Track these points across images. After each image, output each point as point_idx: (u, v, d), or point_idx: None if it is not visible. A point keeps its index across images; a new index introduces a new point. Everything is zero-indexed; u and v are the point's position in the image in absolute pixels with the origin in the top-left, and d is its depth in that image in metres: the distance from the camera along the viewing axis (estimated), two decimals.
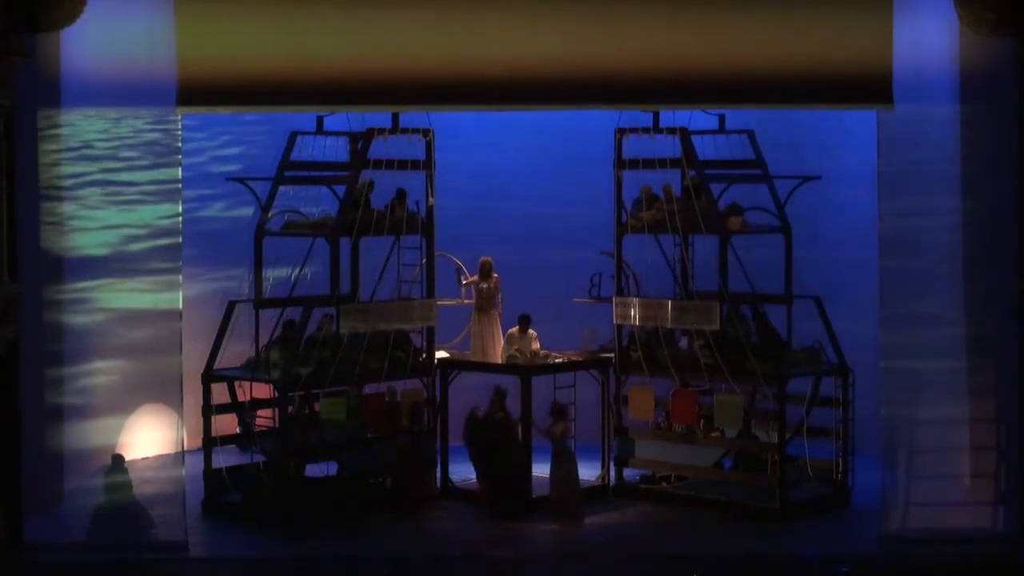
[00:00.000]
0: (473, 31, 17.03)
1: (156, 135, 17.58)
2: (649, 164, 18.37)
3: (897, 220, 16.99)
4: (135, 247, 18.32)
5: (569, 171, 21.50)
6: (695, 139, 18.29)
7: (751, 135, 18.53)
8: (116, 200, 17.96)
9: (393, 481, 18.02)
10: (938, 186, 17.16)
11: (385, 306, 18.10)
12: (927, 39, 17.12)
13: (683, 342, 18.46)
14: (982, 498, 17.03)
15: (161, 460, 19.54)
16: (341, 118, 18.49)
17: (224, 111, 19.11)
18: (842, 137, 20.39)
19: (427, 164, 18.40)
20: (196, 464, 17.85)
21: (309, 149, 18.36)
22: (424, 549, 16.55)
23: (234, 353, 18.08)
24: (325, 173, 18.40)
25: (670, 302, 18.18)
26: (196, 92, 16.88)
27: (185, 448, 17.70)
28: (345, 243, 18.27)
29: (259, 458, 17.80)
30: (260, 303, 18.01)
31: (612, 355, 18.55)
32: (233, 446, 18.40)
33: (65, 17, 16.29)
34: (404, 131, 18.27)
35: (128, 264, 18.49)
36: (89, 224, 17.76)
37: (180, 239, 17.32)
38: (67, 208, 17.26)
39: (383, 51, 16.98)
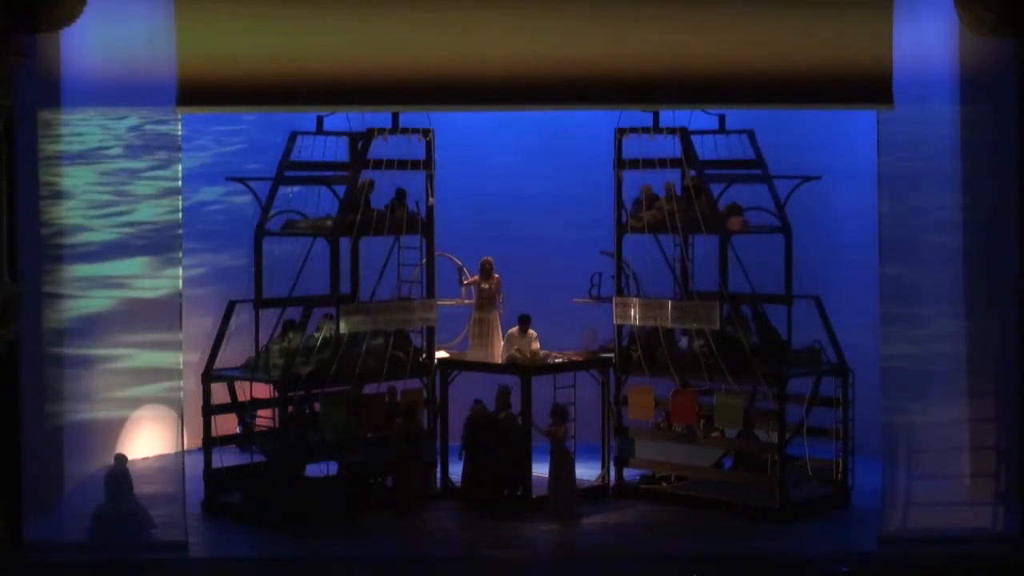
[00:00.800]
0: (473, 31, 17.03)
1: (156, 135, 17.59)
2: (649, 164, 18.37)
3: (897, 220, 16.99)
4: (135, 247, 18.37)
5: (569, 171, 21.50)
6: (695, 139, 18.29)
7: (751, 135, 18.53)
8: (116, 200, 17.98)
9: (392, 481, 18.02)
10: (938, 186, 17.17)
11: (385, 306, 18.10)
12: (927, 39, 17.13)
13: (683, 342, 18.46)
14: (982, 498, 17.03)
15: (161, 460, 19.58)
16: (341, 118, 18.49)
17: (224, 111, 19.15)
18: (842, 137, 20.38)
19: (427, 164, 18.40)
20: (196, 464, 17.84)
21: (309, 149, 18.36)
22: (424, 549, 16.55)
23: (234, 353, 18.08)
24: (325, 173, 18.40)
25: (670, 302, 18.18)
26: (196, 92, 16.87)
27: (185, 448, 17.69)
28: (345, 243, 18.26)
29: (259, 458, 17.80)
30: (260, 303, 18.01)
31: (612, 355, 18.55)
32: (233, 446, 18.41)
33: (65, 17, 16.29)
34: (404, 131, 18.27)
35: (128, 264, 18.55)
36: (89, 224, 17.77)
37: (180, 239, 17.31)
38: (67, 208, 17.26)
39: (383, 51, 16.98)
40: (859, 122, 18.87)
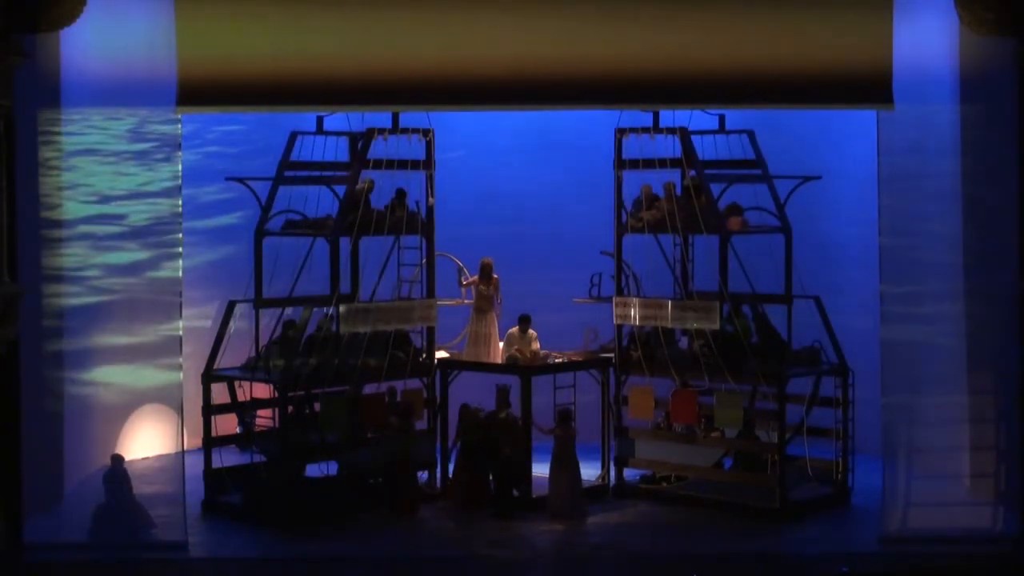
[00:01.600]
0: (473, 31, 17.03)
1: (156, 135, 17.59)
2: (649, 164, 18.37)
3: (897, 220, 17.00)
4: (135, 247, 18.36)
5: (569, 171, 21.50)
6: (695, 139, 18.29)
7: (751, 135, 18.54)
8: (116, 200, 17.99)
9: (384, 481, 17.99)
10: (938, 186, 17.18)
11: (385, 306, 18.10)
12: (927, 39, 17.13)
13: (683, 342, 18.47)
14: (982, 498, 17.04)
15: (161, 460, 19.58)
16: (341, 118, 18.50)
17: (224, 111, 19.15)
18: (842, 137, 20.39)
19: (427, 164, 18.40)
20: (196, 464, 17.84)
21: (309, 149, 18.37)
22: (424, 549, 16.55)
23: (234, 353, 18.08)
24: (325, 173, 18.41)
25: (670, 302, 18.18)
26: (196, 92, 16.87)
27: (185, 448, 17.69)
28: (345, 243, 18.27)
29: (259, 458, 17.80)
30: (260, 303, 18.01)
31: (612, 355, 18.55)
32: (233, 446, 18.41)
33: (65, 17, 16.28)
34: (404, 131, 18.28)
35: (128, 264, 18.54)
36: (89, 224, 17.77)
37: (180, 238, 17.32)
38: (67, 208, 17.26)
39: (383, 51, 16.97)
40: (859, 122, 18.87)
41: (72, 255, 17.45)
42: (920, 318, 17.11)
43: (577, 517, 17.38)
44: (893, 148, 16.98)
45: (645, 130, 18.43)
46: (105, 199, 17.91)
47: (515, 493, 17.66)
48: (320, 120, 18.44)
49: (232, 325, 17.97)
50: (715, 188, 18.41)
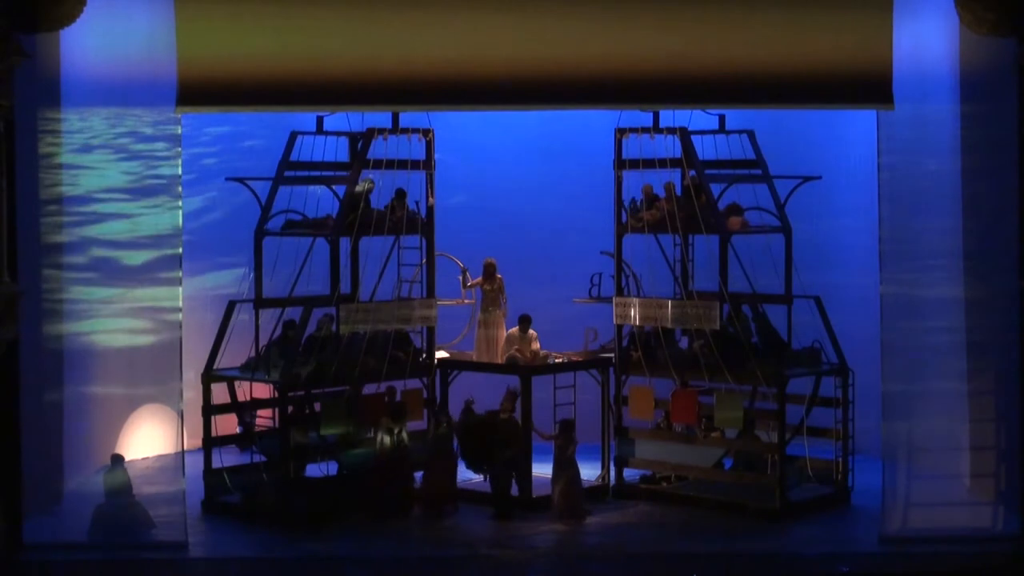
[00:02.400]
0: (473, 31, 17.03)
1: (156, 135, 17.59)
2: (649, 164, 18.37)
3: (897, 220, 16.99)
4: (135, 246, 18.37)
5: (569, 171, 21.49)
6: (695, 139, 18.29)
7: (751, 135, 18.54)
8: (116, 199, 17.99)
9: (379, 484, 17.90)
10: (938, 186, 17.18)
11: (385, 306, 18.10)
12: (927, 39, 17.14)
13: (683, 342, 18.47)
14: (982, 498, 17.05)
15: (161, 460, 19.58)
16: (341, 118, 18.49)
17: (224, 111, 19.14)
18: (842, 137, 20.39)
19: (427, 164, 18.40)
20: (196, 464, 17.84)
21: (309, 149, 18.37)
22: (424, 549, 16.55)
23: (234, 353, 18.08)
24: (325, 173, 18.41)
25: (670, 302, 18.18)
26: (196, 92, 16.86)
27: (185, 448, 17.69)
28: (345, 243, 18.27)
29: (259, 458, 17.80)
30: (260, 303, 18.01)
31: (612, 355, 18.55)
32: (233, 446, 18.41)
33: (65, 17, 16.28)
34: (404, 131, 18.28)
35: (128, 264, 18.55)
36: (89, 224, 17.77)
37: (180, 238, 17.31)
38: (67, 208, 17.27)
39: (383, 51, 16.97)
40: (859, 122, 18.88)
41: (72, 255, 17.44)
42: (920, 318, 17.10)
43: (579, 517, 17.37)
44: (893, 148, 16.97)
45: (645, 130, 18.43)
46: (105, 199, 17.90)
47: (514, 493, 17.65)
48: (320, 120, 18.44)
49: (232, 325, 17.96)
50: (715, 188, 18.42)
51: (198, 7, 16.81)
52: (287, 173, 18.26)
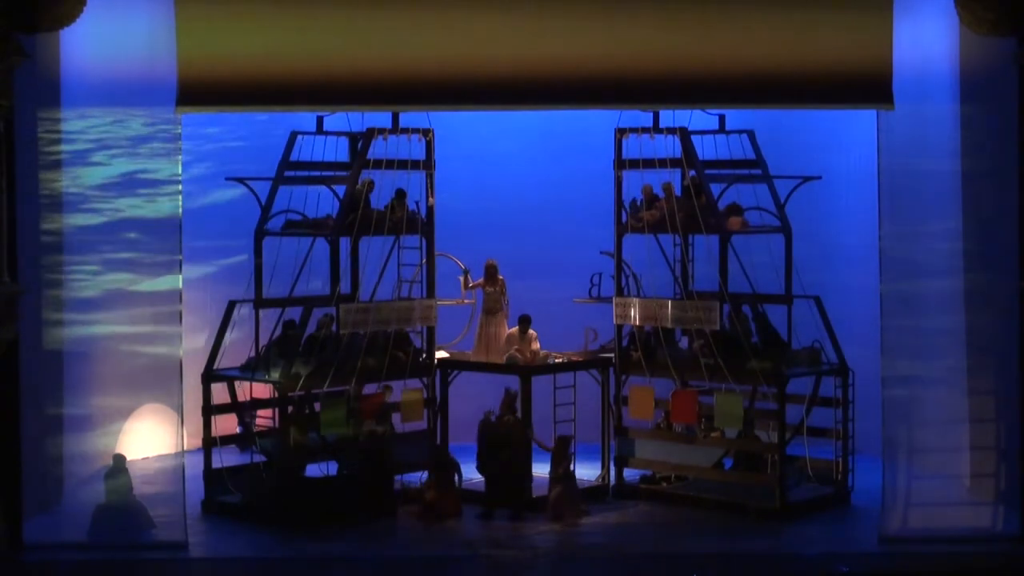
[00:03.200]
0: (473, 31, 17.02)
1: (156, 135, 17.58)
2: (649, 164, 18.37)
3: (897, 220, 16.98)
4: (135, 247, 18.35)
5: (569, 171, 21.49)
6: (695, 139, 18.29)
7: (751, 135, 18.54)
8: (116, 199, 17.98)
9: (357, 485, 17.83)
10: (938, 186, 17.18)
11: (385, 306, 18.09)
12: (927, 39, 17.13)
13: (683, 342, 18.47)
14: (982, 498, 17.04)
15: (161, 460, 19.58)
16: (341, 118, 18.49)
17: (224, 111, 19.12)
18: (842, 137, 20.38)
19: (427, 164, 18.40)
20: (196, 464, 17.85)
21: (309, 149, 18.37)
22: (424, 549, 16.55)
23: (234, 353, 18.08)
24: (325, 173, 18.41)
25: (670, 302, 18.18)
26: (196, 92, 16.86)
27: (185, 448, 17.70)
28: (345, 243, 18.26)
29: (259, 458, 17.79)
30: (260, 303, 18.01)
31: (612, 355, 18.55)
32: (233, 446, 18.41)
33: (65, 17, 16.27)
34: (404, 131, 18.28)
35: (128, 264, 18.53)
36: (89, 224, 17.76)
37: (180, 238, 17.30)
38: (67, 208, 17.26)
39: (383, 51, 16.97)
40: (859, 122, 18.86)
41: (72, 255, 17.44)
42: (920, 318, 17.09)
43: (578, 517, 17.37)
44: (893, 148, 16.96)
45: (645, 130, 18.42)
46: (105, 198, 17.89)
47: (513, 494, 17.64)
48: (320, 120, 18.44)
49: (232, 325, 17.95)
50: (715, 188, 18.42)
51: (198, 7, 16.81)
52: (287, 173, 18.26)
